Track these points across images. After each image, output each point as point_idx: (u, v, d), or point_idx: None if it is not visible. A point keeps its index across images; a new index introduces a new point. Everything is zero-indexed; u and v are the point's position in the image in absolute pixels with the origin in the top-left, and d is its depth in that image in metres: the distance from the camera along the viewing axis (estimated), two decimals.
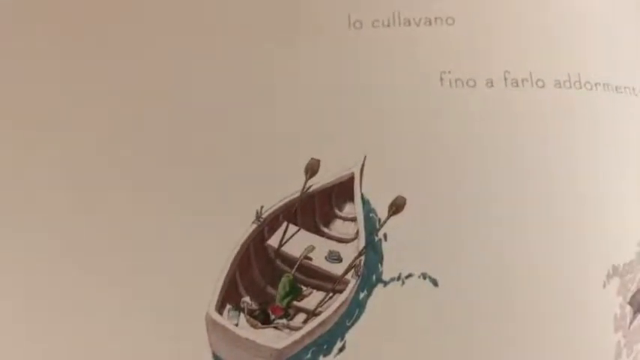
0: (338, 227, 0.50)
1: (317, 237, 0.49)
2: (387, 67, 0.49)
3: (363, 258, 0.47)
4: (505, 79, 0.49)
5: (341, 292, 0.46)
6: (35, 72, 0.50)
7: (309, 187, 0.47)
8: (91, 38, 0.50)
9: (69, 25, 0.51)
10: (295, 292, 0.47)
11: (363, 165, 0.47)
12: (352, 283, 0.46)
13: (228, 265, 0.46)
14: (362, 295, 0.46)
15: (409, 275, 0.46)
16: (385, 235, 0.47)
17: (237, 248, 0.47)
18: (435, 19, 0.50)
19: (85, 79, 0.50)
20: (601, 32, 0.52)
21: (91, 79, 0.50)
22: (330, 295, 0.47)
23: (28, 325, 0.47)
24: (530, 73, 0.49)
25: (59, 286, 0.47)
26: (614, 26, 0.53)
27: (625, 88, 0.51)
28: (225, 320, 0.45)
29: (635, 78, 0.52)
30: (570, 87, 0.49)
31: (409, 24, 0.50)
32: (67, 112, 0.49)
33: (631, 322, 0.48)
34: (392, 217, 0.47)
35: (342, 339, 0.45)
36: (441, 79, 0.49)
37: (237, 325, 0.46)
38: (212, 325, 0.45)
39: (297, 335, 0.46)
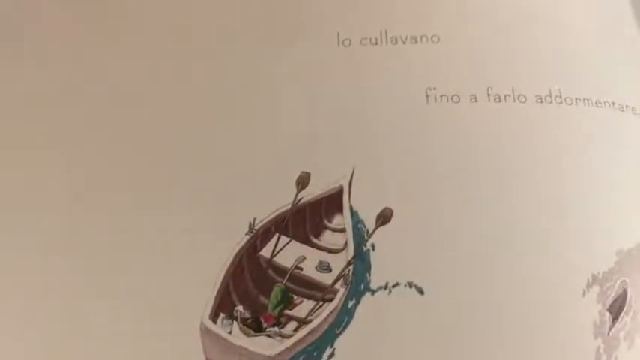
0: (328, 238, 0.51)
1: (307, 247, 0.50)
2: (375, 83, 0.50)
3: (351, 267, 0.48)
4: (488, 94, 0.50)
5: (330, 300, 0.47)
6: (35, 72, 0.51)
7: (300, 199, 0.48)
8: (91, 39, 0.52)
9: (70, 26, 0.52)
10: (287, 301, 0.48)
11: (351, 178, 0.49)
12: (341, 292, 0.47)
13: (222, 275, 0.47)
14: (351, 304, 0.47)
15: (396, 284, 0.47)
16: (373, 246, 0.48)
17: (231, 259, 0.48)
18: (421, 37, 0.51)
19: (85, 80, 0.51)
20: (581, 48, 0.54)
21: (91, 79, 0.51)
22: (320, 303, 0.48)
23: (24, 326, 0.48)
24: (512, 88, 0.50)
25: (54, 289, 0.48)
26: (595, 42, 0.55)
27: (605, 102, 0.52)
28: (218, 328, 0.46)
29: (614, 93, 0.53)
30: (551, 102, 0.51)
31: (396, 42, 0.51)
32: (66, 113, 0.50)
33: (610, 329, 0.49)
34: (380, 228, 0.48)
35: (332, 346, 0.47)
36: (427, 95, 0.50)
37: (230, 333, 0.47)
38: (206, 333, 0.46)
39: (289, 342, 0.47)
